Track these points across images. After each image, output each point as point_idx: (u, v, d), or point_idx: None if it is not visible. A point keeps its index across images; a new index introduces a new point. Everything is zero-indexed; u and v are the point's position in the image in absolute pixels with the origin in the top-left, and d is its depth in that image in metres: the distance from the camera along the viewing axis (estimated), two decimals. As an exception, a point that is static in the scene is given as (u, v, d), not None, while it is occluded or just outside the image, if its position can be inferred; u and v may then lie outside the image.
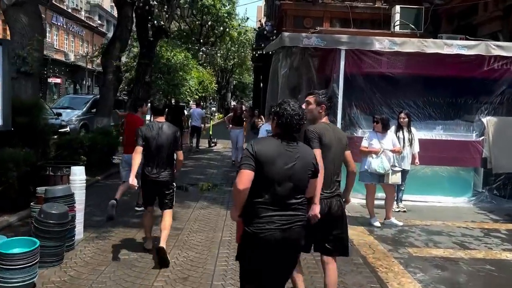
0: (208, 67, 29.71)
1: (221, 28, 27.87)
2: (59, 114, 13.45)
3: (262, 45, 17.19)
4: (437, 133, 8.05)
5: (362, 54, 7.75)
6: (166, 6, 13.19)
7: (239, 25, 33.19)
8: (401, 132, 7.03)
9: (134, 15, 12.79)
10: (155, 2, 11.99)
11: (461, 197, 8.10)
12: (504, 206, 7.77)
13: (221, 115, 38.04)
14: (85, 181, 5.31)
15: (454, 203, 7.99)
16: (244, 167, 2.65)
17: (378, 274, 4.54)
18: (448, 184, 8.06)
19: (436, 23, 13.36)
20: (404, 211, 7.22)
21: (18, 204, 5.92)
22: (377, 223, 6.37)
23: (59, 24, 34.12)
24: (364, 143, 6.53)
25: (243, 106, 14.45)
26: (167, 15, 13.48)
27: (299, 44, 7.64)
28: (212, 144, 17.23)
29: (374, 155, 6.35)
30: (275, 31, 17.76)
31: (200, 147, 15.71)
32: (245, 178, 2.63)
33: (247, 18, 69.14)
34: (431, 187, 7.95)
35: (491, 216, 7.28)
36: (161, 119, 4.99)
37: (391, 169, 6.41)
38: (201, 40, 28.43)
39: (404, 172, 6.93)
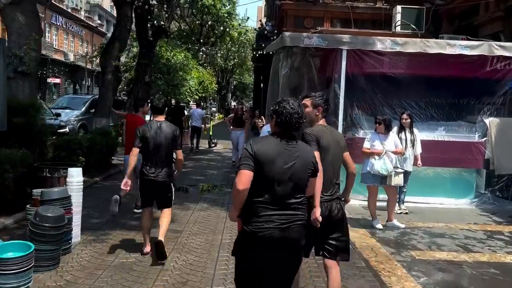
0: (208, 67, 29.67)
1: (221, 28, 27.89)
2: (58, 115, 13.32)
3: (263, 45, 17.13)
4: (439, 134, 7.97)
5: (363, 54, 7.68)
6: (165, 6, 13.13)
7: (239, 25, 33.17)
8: (403, 133, 6.95)
9: (133, 14, 12.72)
10: (154, 2, 11.93)
11: (463, 198, 8.03)
12: (506, 208, 7.69)
13: (221, 116, 38.04)
14: (82, 183, 5.21)
15: (456, 204, 7.92)
16: (244, 167, 2.63)
17: (381, 278, 4.46)
18: (450, 185, 8.00)
19: (437, 24, 13.30)
20: (406, 213, 7.15)
21: (14, 206, 5.83)
22: (379, 225, 6.29)
23: (58, 24, 34.01)
24: (366, 145, 6.44)
25: (244, 107, 14.32)
26: (166, 15, 13.43)
27: (300, 44, 7.58)
28: (212, 145, 17.16)
29: (376, 157, 6.27)
30: (275, 31, 17.68)
31: (200, 148, 15.63)
32: (245, 178, 2.61)
33: (248, 18, 69.11)
34: (433, 188, 7.89)
35: (494, 218, 7.21)
36: (161, 118, 4.93)
37: (394, 171, 6.33)
38: (201, 40, 28.42)
39: (406, 174, 6.84)
